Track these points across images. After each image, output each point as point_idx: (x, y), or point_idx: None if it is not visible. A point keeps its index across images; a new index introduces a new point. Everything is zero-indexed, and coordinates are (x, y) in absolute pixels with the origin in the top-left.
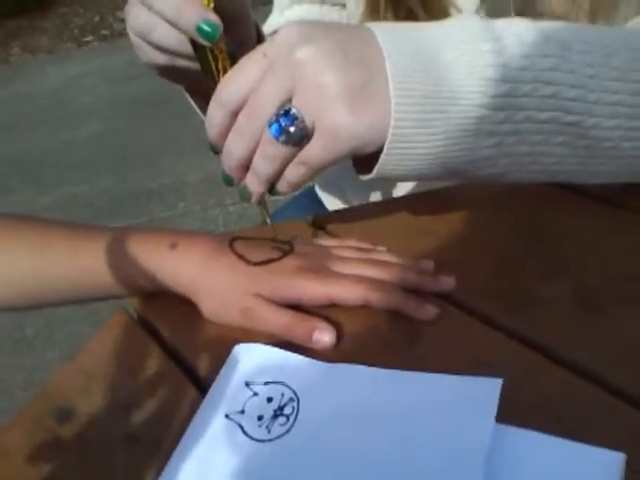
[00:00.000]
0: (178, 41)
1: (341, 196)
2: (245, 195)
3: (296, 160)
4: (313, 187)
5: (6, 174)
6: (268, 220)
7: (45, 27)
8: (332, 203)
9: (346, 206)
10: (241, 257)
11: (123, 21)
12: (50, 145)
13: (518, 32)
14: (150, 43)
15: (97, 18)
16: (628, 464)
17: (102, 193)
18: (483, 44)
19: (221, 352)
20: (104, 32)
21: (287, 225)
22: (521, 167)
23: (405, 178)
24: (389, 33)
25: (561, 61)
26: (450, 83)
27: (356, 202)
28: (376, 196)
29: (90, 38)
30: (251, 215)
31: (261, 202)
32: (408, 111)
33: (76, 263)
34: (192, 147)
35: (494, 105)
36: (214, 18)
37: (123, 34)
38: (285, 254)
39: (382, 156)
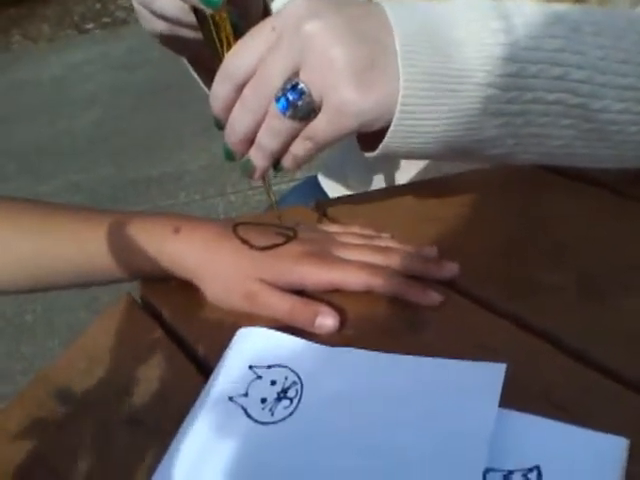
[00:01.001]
0: (180, 9)
1: (344, 183)
2: (248, 170)
3: (302, 135)
4: (315, 175)
5: (6, 162)
6: (272, 197)
7: (46, 14)
8: (335, 190)
9: (349, 193)
10: (245, 242)
11: (124, 8)
12: (50, 133)
13: (527, 12)
14: (152, 11)
15: (98, 5)
16: (631, 449)
17: (102, 181)
18: (492, 22)
19: (224, 335)
20: (105, 20)
21: (290, 211)
22: (528, 148)
23: (410, 156)
24: (399, 10)
25: (570, 42)
26: (459, 61)
27: (359, 189)
28: (379, 183)
29: (91, 26)
30: (252, 204)
31: (264, 178)
32: (416, 88)
33: (80, 246)
34: (193, 135)
35: (502, 85)
36: None
37: (124, 22)
38: (289, 239)
39: (389, 132)
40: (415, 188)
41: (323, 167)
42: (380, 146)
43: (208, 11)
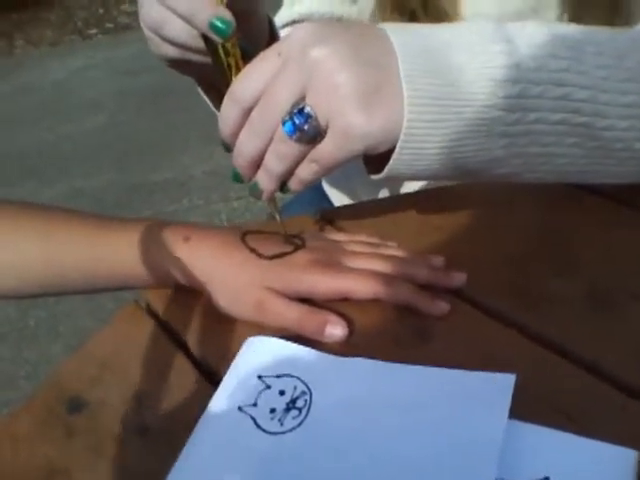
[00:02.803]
0: (190, 36)
1: (350, 193)
2: (256, 192)
3: (308, 158)
4: (320, 183)
5: (9, 167)
6: (278, 217)
7: (49, 20)
8: (340, 199)
9: (354, 201)
10: (253, 251)
11: (128, 14)
12: (53, 138)
13: (529, 34)
14: (162, 37)
15: (101, 11)
16: None
17: (106, 187)
18: (495, 45)
19: (233, 345)
20: (108, 25)
21: (295, 220)
22: (533, 167)
23: (415, 178)
24: (402, 34)
25: (572, 62)
26: (462, 84)
27: (365, 199)
28: (385, 194)
29: (94, 31)
30: (255, 210)
31: (271, 199)
32: (420, 112)
33: (89, 252)
34: (196, 141)
35: (506, 106)
36: (227, 14)
37: (127, 27)
38: (297, 248)
39: (394, 156)
40: (421, 197)
41: (329, 177)
42: (386, 169)
43: (218, 40)
